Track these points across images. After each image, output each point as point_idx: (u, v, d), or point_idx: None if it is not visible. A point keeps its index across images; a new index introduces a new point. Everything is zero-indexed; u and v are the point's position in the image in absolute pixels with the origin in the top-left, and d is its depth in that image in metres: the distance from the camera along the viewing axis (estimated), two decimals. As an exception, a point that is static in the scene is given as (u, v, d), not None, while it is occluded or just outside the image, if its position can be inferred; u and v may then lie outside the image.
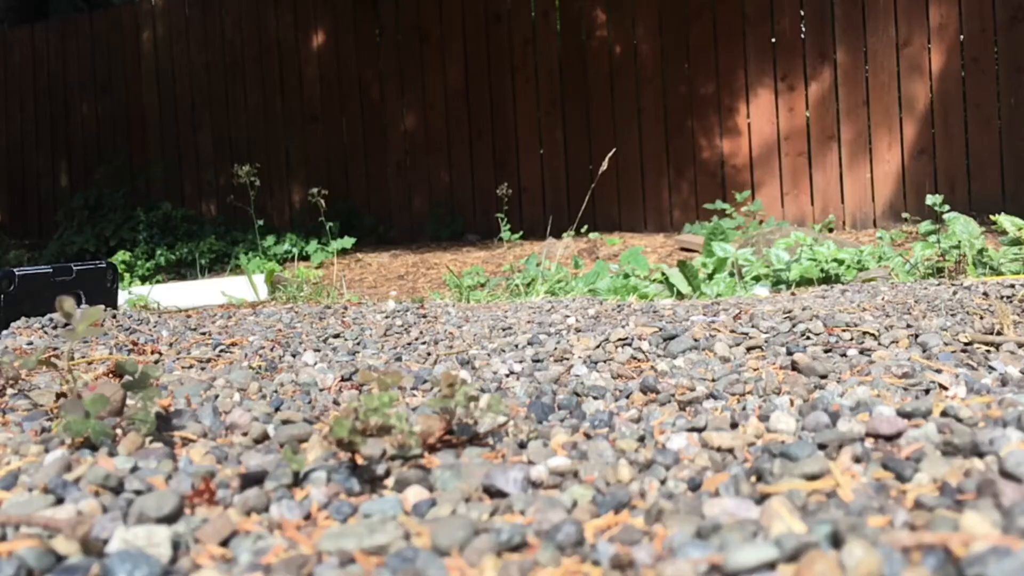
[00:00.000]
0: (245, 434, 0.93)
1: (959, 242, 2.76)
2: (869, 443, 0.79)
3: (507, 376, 1.26)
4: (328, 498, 0.73)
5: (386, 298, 3.28)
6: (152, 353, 1.49)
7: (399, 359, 1.42)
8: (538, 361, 1.34)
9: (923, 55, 5.05)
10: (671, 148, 5.62)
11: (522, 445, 0.86)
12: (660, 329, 1.45)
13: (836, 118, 5.25)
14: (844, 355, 1.22)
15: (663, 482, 0.75)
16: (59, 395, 1.08)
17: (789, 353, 1.24)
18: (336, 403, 1.09)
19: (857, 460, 0.75)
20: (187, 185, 7.01)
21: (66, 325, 0.89)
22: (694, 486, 0.73)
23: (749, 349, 1.30)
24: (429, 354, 1.45)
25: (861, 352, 1.24)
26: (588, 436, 0.89)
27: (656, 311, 1.83)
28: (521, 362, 1.33)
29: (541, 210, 5.88)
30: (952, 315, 1.52)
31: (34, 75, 7.60)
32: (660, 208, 5.65)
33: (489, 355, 1.40)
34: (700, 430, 0.89)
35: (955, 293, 1.82)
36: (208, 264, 5.53)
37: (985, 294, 1.77)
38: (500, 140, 6.08)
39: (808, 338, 1.34)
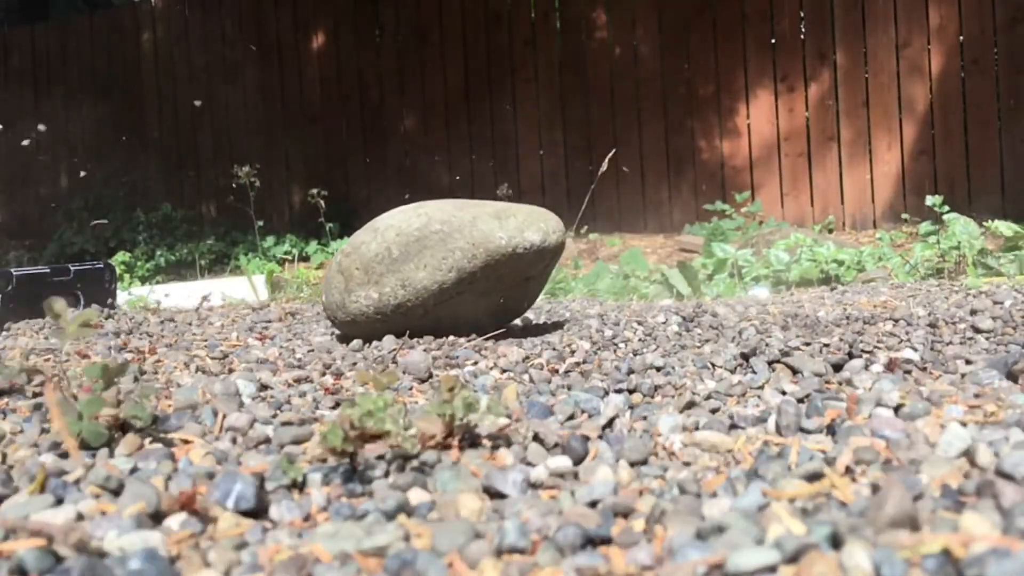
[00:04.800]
0: (245, 435, 0.93)
1: (959, 243, 2.76)
2: (869, 444, 0.79)
3: (503, 374, 1.26)
4: (328, 500, 0.73)
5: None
6: (151, 354, 1.48)
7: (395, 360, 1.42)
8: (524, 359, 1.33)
9: (923, 56, 5.05)
10: (671, 149, 5.62)
11: (522, 446, 0.86)
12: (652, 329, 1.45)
13: (836, 119, 5.25)
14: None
15: (663, 483, 0.75)
16: (43, 389, 1.08)
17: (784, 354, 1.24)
18: (337, 404, 1.09)
19: (857, 461, 0.75)
20: (187, 186, 7.01)
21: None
22: (694, 487, 0.73)
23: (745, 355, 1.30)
24: (426, 350, 1.45)
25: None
26: (587, 438, 0.89)
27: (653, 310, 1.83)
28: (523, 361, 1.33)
29: (541, 211, 5.87)
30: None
31: (34, 75, 7.60)
32: (660, 209, 5.65)
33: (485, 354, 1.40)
34: (700, 431, 0.89)
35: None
36: (208, 265, 5.53)
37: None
38: (500, 141, 6.08)
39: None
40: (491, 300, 1.56)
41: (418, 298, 1.48)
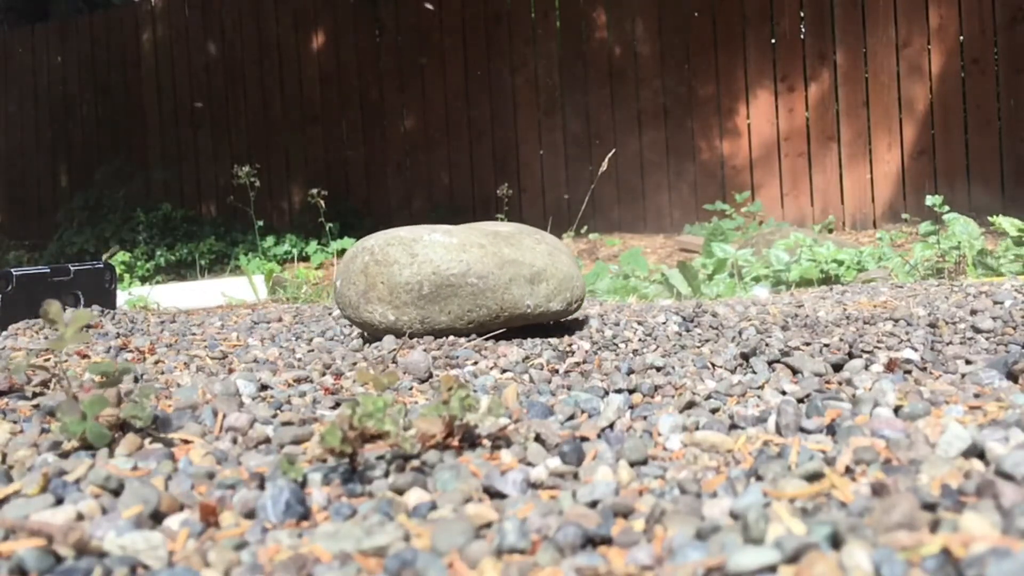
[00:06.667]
0: (245, 435, 0.93)
1: (959, 243, 2.76)
2: (869, 444, 0.79)
3: (503, 374, 1.26)
4: (328, 499, 0.73)
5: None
6: (151, 354, 1.48)
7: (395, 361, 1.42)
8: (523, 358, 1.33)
9: (923, 56, 5.05)
10: (671, 149, 5.62)
11: (522, 446, 0.86)
12: (653, 329, 1.45)
13: (836, 119, 5.25)
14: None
15: (663, 483, 0.75)
16: (43, 389, 1.08)
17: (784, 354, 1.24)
18: (337, 404, 1.09)
19: (857, 461, 0.75)
20: (187, 186, 7.01)
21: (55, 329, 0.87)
22: (694, 487, 0.73)
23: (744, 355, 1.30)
24: (426, 350, 1.45)
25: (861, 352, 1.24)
26: (586, 438, 0.89)
27: (653, 310, 1.83)
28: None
29: (541, 211, 5.88)
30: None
31: (34, 76, 7.60)
32: (660, 209, 5.65)
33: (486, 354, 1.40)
34: (700, 431, 0.89)
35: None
36: (208, 265, 5.53)
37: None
38: (500, 140, 6.08)
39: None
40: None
41: (429, 330, 1.51)
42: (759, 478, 0.73)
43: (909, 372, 1.13)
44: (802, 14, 5.32)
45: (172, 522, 0.68)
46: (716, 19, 5.49)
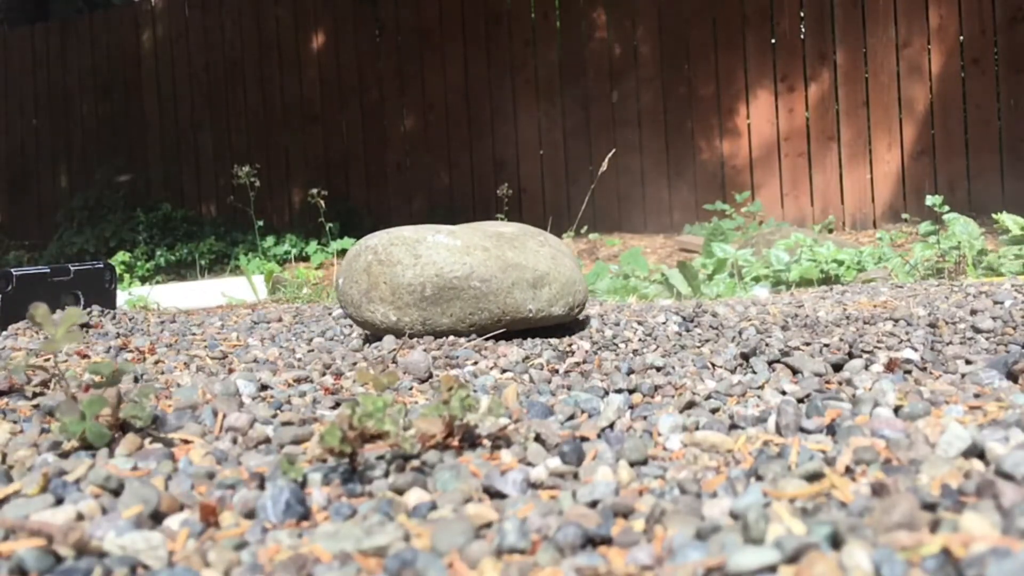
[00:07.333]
0: (245, 435, 0.92)
1: (959, 243, 2.76)
2: (869, 444, 0.79)
3: (503, 374, 1.25)
4: (328, 499, 0.73)
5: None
6: (151, 354, 1.48)
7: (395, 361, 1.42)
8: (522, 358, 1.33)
9: (923, 56, 5.05)
10: (671, 149, 5.62)
11: (522, 446, 0.86)
12: (653, 329, 1.45)
13: (836, 119, 5.25)
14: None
15: (663, 483, 0.75)
16: (43, 389, 1.08)
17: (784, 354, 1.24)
18: (337, 404, 1.09)
19: (857, 461, 0.75)
20: (187, 186, 7.01)
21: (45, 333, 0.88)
22: (694, 487, 0.73)
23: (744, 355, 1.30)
24: (426, 350, 1.45)
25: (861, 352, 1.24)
26: (587, 438, 0.89)
27: (654, 310, 1.83)
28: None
29: (541, 211, 5.88)
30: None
31: (34, 76, 7.60)
32: (660, 209, 5.65)
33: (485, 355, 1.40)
34: (700, 431, 0.89)
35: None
36: (208, 265, 5.53)
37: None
38: (500, 141, 6.08)
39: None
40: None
41: (431, 331, 1.51)
42: (759, 478, 0.73)
43: (909, 372, 1.13)
44: (802, 14, 5.32)
45: (172, 522, 0.68)
46: (716, 19, 5.49)
